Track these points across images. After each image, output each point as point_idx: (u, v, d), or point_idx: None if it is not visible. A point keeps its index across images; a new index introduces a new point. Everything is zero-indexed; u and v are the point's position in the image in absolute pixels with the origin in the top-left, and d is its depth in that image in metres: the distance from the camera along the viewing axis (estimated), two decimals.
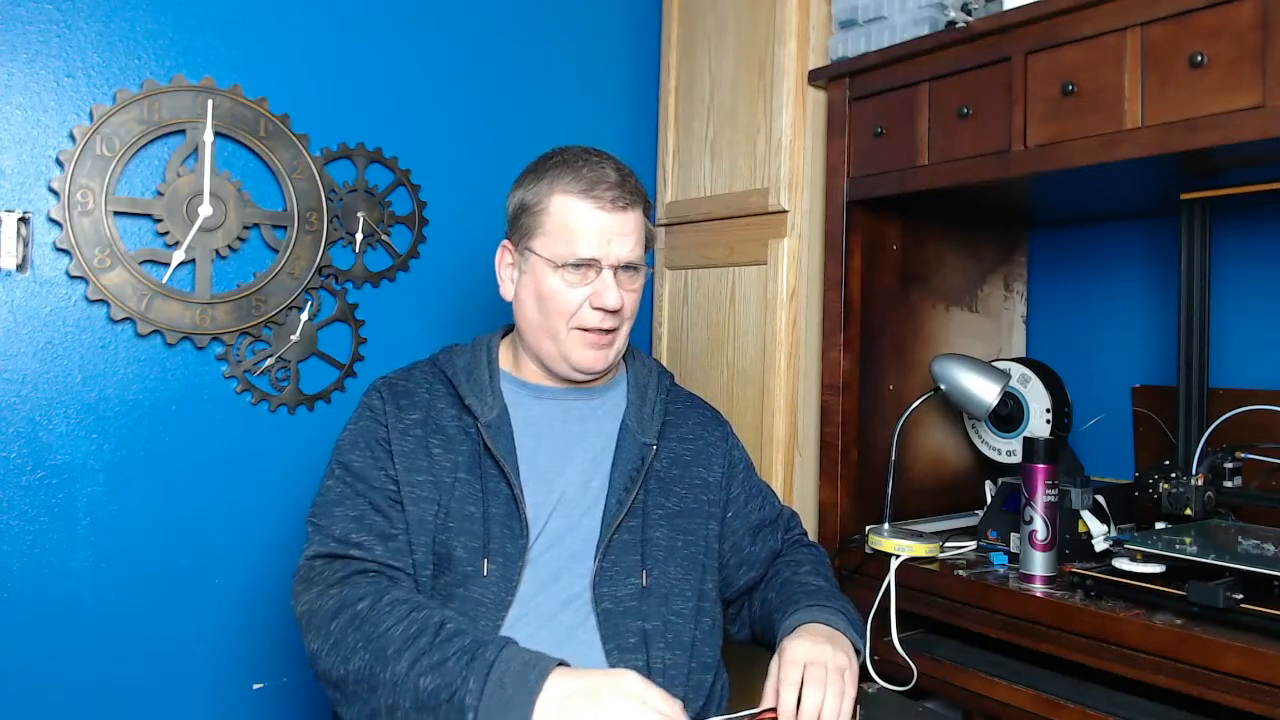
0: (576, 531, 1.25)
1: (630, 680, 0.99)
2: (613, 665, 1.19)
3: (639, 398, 1.36)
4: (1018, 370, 1.78)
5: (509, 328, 1.40)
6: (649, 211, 1.33)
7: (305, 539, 1.23)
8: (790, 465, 1.77)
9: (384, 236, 1.87)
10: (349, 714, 1.08)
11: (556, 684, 0.98)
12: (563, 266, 1.24)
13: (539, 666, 1.00)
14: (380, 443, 1.25)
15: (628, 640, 1.20)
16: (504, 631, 1.17)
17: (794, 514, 1.47)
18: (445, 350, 1.37)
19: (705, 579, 1.31)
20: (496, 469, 1.24)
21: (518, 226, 1.30)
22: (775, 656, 1.17)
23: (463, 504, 1.22)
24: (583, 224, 1.24)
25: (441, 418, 1.28)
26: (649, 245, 1.34)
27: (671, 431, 1.37)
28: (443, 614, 1.09)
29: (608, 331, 1.28)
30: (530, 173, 1.32)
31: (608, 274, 1.25)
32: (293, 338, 1.77)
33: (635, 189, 1.29)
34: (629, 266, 1.27)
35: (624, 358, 1.41)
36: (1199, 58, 1.23)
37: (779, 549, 1.41)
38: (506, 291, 1.33)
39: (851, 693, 1.12)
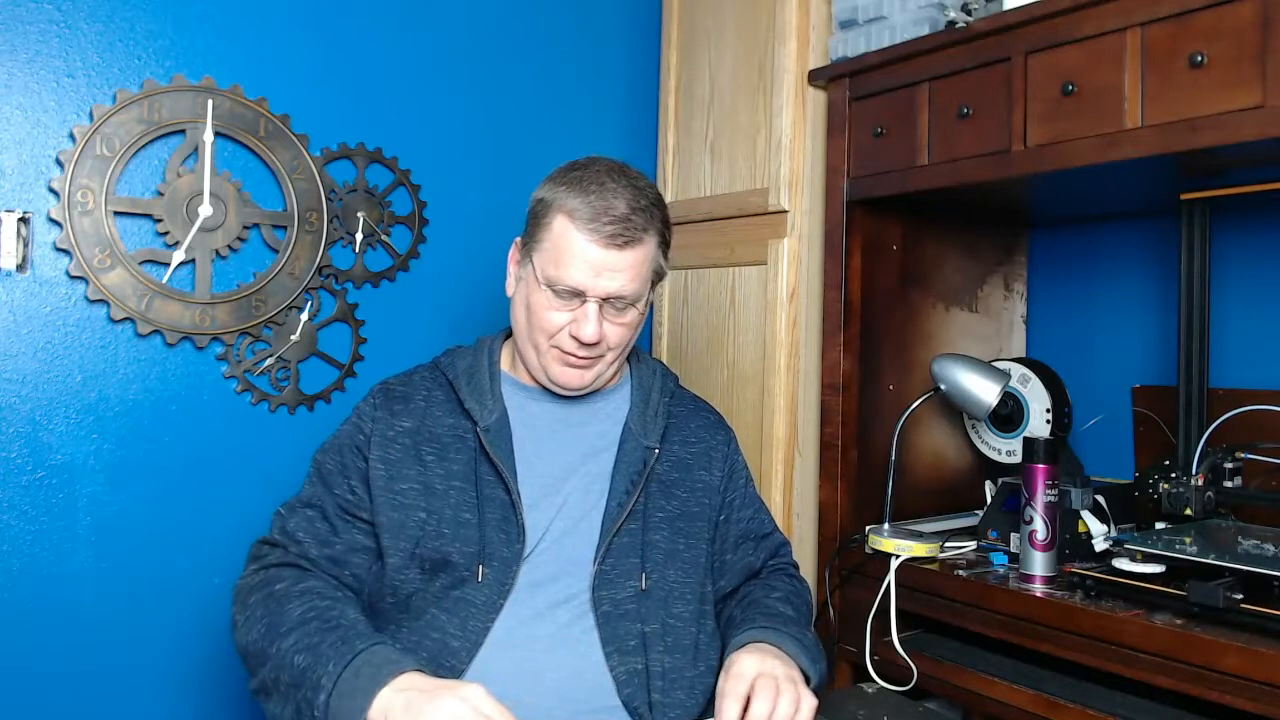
0: (577, 534, 1.25)
1: (472, 689, 0.98)
2: (612, 668, 1.18)
3: (642, 400, 1.35)
4: (1018, 370, 1.78)
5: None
6: (665, 243, 1.30)
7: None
8: (790, 465, 1.77)
9: (384, 236, 1.87)
10: (252, 685, 1.13)
11: (405, 679, 1.00)
12: (550, 288, 1.23)
13: (398, 665, 1.02)
14: (355, 450, 1.27)
15: (627, 643, 1.20)
16: (498, 633, 1.17)
17: (786, 543, 1.45)
18: (448, 353, 1.37)
19: (706, 581, 1.31)
20: (494, 474, 1.24)
21: (529, 228, 1.28)
22: (722, 672, 1.14)
23: (458, 511, 1.22)
24: (575, 254, 1.21)
25: (436, 425, 1.28)
26: (659, 277, 1.31)
27: (674, 434, 1.36)
28: (343, 609, 1.12)
29: (582, 357, 1.26)
30: (553, 175, 1.29)
31: (591, 306, 1.22)
32: (293, 338, 1.77)
33: (644, 225, 1.24)
34: (619, 300, 1.24)
35: (628, 359, 1.40)
36: (1199, 58, 1.23)
37: (757, 568, 1.39)
38: (510, 287, 1.33)
39: (811, 703, 1.08)
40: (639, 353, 1.42)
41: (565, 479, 1.28)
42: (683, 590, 1.27)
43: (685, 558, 1.29)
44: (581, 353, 1.25)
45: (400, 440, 1.26)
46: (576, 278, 1.21)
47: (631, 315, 1.27)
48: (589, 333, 1.23)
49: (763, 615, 1.25)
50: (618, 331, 1.26)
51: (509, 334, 1.39)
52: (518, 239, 1.32)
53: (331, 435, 1.32)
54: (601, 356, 1.28)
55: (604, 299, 1.23)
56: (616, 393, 1.37)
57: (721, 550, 1.37)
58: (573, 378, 1.28)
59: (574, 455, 1.29)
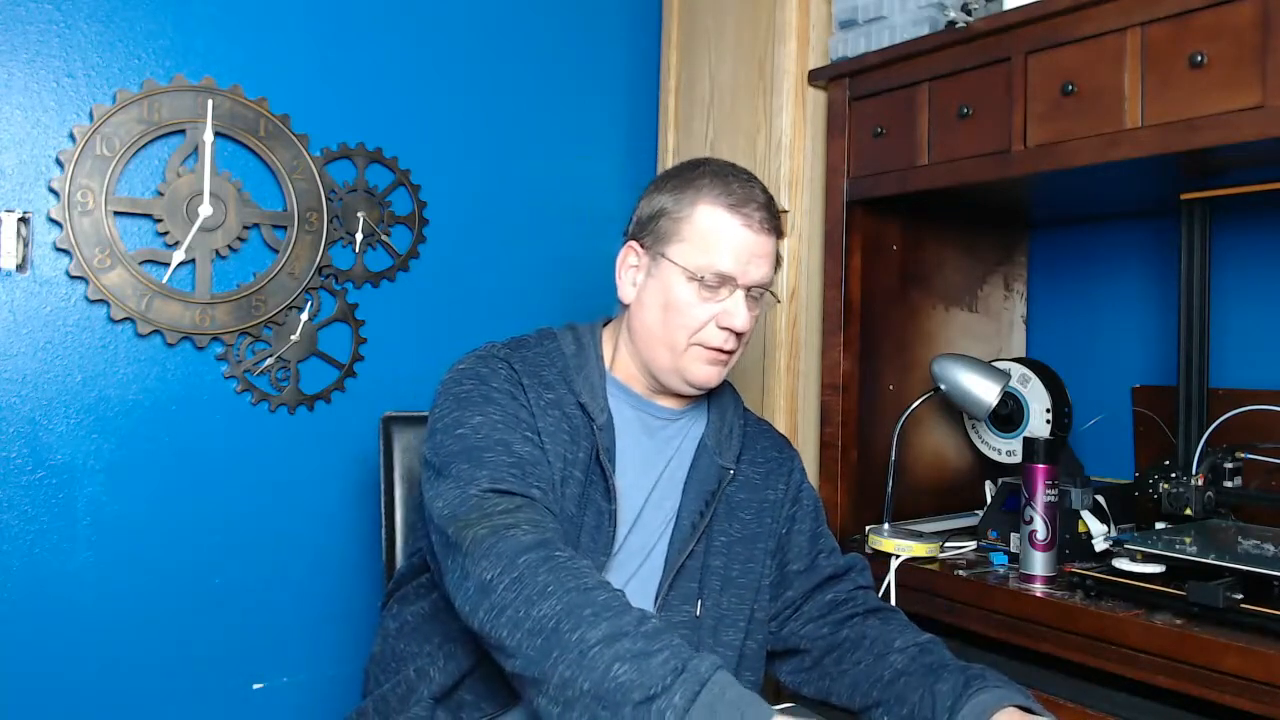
0: (646, 552, 1.22)
1: None
2: None
3: (718, 417, 1.32)
4: (1018, 370, 1.78)
5: (607, 320, 1.35)
6: (782, 242, 1.29)
7: (441, 478, 1.10)
8: None
9: (384, 236, 1.87)
10: (512, 666, 0.93)
11: None
12: (698, 279, 1.20)
13: (757, 706, 0.84)
14: (522, 406, 1.17)
15: None
16: None
17: (858, 559, 1.37)
18: (547, 336, 1.30)
19: (757, 603, 1.28)
20: (600, 475, 1.19)
21: (652, 230, 1.25)
22: None
23: (569, 502, 1.16)
24: (727, 238, 1.20)
25: (567, 405, 1.21)
26: (776, 267, 1.29)
27: (744, 455, 1.33)
28: (649, 612, 0.95)
29: (727, 351, 1.24)
30: (675, 177, 1.27)
31: (740, 294, 1.21)
32: (293, 338, 1.77)
33: (778, 215, 1.26)
34: (759, 290, 1.23)
35: None
36: (1199, 58, 1.23)
37: (827, 574, 1.33)
38: (626, 294, 1.28)
39: None
40: None
41: (644, 493, 1.24)
42: (735, 617, 1.24)
43: (740, 584, 1.26)
44: (729, 345, 1.23)
45: (550, 411, 1.18)
46: (728, 264, 1.20)
47: (761, 308, 1.27)
48: (741, 321, 1.21)
49: (958, 671, 1.12)
50: (752, 324, 1.25)
51: (604, 324, 1.34)
52: (631, 243, 1.28)
53: (467, 390, 1.17)
54: (736, 352, 1.26)
55: (749, 288, 1.22)
56: (694, 410, 1.33)
57: (783, 562, 1.32)
58: (712, 375, 1.24)
59: (655, 470, 1.26)
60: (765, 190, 1.26)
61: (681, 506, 1.25)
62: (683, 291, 1.21)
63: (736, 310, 1.21)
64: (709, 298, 1.21)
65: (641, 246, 1.27)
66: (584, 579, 0.94)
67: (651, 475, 1.25)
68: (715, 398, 1.35)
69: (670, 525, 1.24)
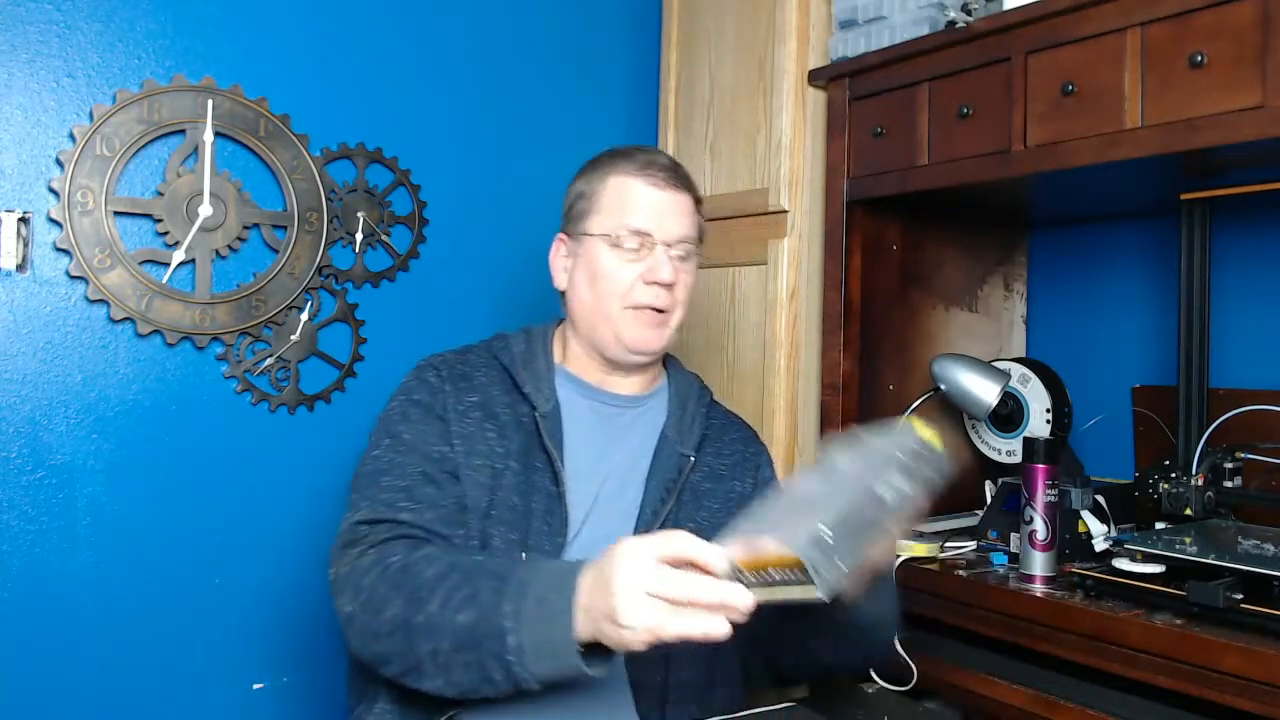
0: (609, 541, 1.23)
1: (627, 543, 0.91)
2: (632, 677, 1.16)
3: (679, 408, 1.34)
4: (1018, 370, 1.78)
5: (560, 321, 1.39)
6: (701, 207, 1.35)
7: (348, 506, 1.19)
8: (790, 465, 1.76)
9: (384, 236, 1.87)
10: (390, 670, 1.04)
11: (585, 578, 0.92)
12: (616, 243, 1.25)
13: (572, 572, 0.93)
14: (437, 418, 1.22)
15: (648, 654, 1.18)
16: None
17: None
18: (498, 338, 1.36)
19: None
20: (545, 462, 1.22)
21: (572, 215, 1.33)
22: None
23: (509, 494, 1.20)
24: (636, 197, 1.27)
25: (496, 404, 1.26)
26: (701, 237, 1.34)
27: (708, 445, 1.35)
28: (476, 557, 1.04)
29: (661, 311, 1.27)
30: (586, 167, 1.35)
31: (660, 250, 1.26)
32: (293, 338, 1.77)
33: (687, 177, 1.33)
34: (682, 246, 1.28)
35: (665, 368, 1.39)
36: (1199, 58, 1.23)
37: None
38: (560, 281, 1.34)
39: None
40: (676, 362, 1.42)
41: (602, 481, 1.26)
42: None
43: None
44: (660, 302, 1.26)
45: (471, 414, 1.24)
46: (642, 220, 1.26)
47: (692, 265, 1.31)
48: (666, 273, 1.25)
49: None
50: (684, 279, 1.29)
51: (556, 325, 1.39)
52: (559, 235, 1.35)
53: (393, 408, 1.25)
54: (671, 312, 1.29)
55: (669, 244, 1.27)
56: (654, 399, 1.35)
57: None
58: (650, 338, 1.28)
59: (613, 458, 1.28)
60: (671, 158, 1.35)
61: (645, 496, 1.26)
62: (606, 259, 1.27)
63: (660, 264, 1.26)
64: (632, 259, 1.26)
65: (567, 234, 1.34)
66: (412, 569, 1.03)
67: (606, 462, 1.27)
68: (677, 388, 1.37)
69: (632, 514, 1.25)
